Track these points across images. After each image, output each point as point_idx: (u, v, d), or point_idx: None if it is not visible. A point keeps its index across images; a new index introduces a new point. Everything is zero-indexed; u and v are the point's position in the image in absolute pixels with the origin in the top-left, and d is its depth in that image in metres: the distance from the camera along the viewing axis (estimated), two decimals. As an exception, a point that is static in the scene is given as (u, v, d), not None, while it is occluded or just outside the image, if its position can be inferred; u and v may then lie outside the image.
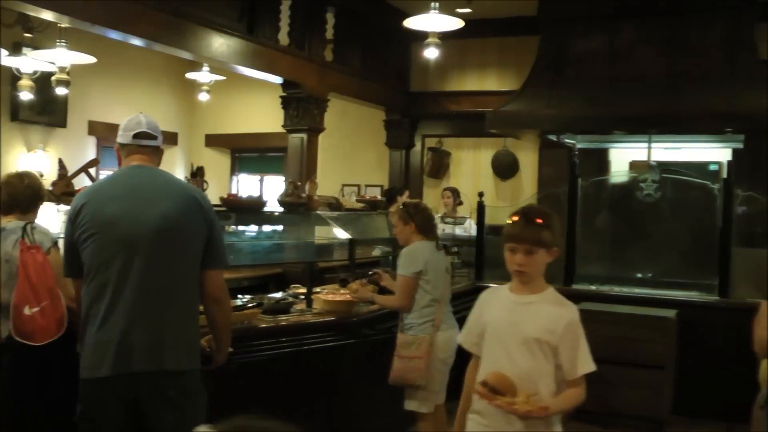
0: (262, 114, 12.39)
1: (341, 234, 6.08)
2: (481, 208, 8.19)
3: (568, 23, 9.29)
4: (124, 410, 3.31)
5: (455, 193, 9.48)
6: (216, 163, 13.37)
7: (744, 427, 4.95)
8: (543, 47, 9.43)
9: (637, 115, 8.48)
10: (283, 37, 8.92)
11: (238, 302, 5.10)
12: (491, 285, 7.87)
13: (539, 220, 3.10)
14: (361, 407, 5.60)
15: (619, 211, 8.75)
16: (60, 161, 4.92)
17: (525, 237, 3.08)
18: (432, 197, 11.19)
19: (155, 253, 3.40)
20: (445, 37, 8.46)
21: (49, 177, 6.73)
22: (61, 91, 8.61)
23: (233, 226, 5.83)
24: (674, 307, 7.17)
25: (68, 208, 3.63)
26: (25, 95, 9.03)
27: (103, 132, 11.50)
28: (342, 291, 5.79)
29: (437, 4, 7.69)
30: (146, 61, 11.78)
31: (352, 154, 12.36)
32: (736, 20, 8.78)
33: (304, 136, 9.22)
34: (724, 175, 8.13)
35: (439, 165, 11.54)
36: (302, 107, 9.15)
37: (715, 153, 9.85)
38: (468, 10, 9.42)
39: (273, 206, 6.04)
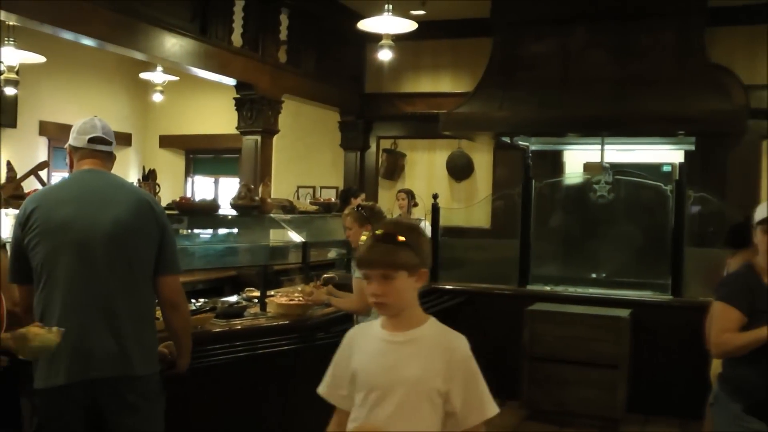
0: (216, 115, 12.30)
1: (295, 237, 6.04)
2: (435, 210, 8.20)
3: (521, 26, 9.34)
4: (84, 417, 3.27)
5: (410, 194, 9.48)
6: (170, 164, 13.26)
7: (698, 424, 5.01)
8: (496, 50, 9.47)
9: (589, 118, 8.56)
10: (237, 38, 8.87)
11: (192, 306, 5.05)
12: (447, 286, 7.94)
13: (397, 238, 2.52)
14: (314, 412, 5.56)
15: (573, 212, 8.81)
16: (8, 163, 4.81)
17: (377, 259, 2.50)
18: (387, 199, 11.18)
19: (108, 258, 3.35)
20: (399, 39, 8.46)
21: (-3, 180, 6.60)
22: (9, 90, 8.49)
23: (186, 230, 5.76)
24: (628, 306, 7.23)
25: (17, 212, 3.56)
26: (-27, 95, 8.89)
27: (55, 132, 11.36)
28: (297, 294, 5.75)
29: (391, 6, 7.69)
30: (99, 61, 11.62)
31: (307, 156, 12.31)
32: (686, 25, 8.89)
33: (258, 138, 9.18)
34: (677, 176, 8.22)
35: (394, 166, 11.54)
36: (256, 109, 9.10)
37: (668, 155, 9.97)
38: (422, 12, 9.46)
39: (227, 209, 5.98)
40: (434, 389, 2.47)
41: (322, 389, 2.76)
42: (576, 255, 8.57)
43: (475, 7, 9.66)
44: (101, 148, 3.60)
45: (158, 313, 3.60)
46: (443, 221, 8.32)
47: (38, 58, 8.18)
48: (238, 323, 5.01)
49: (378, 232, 2.58)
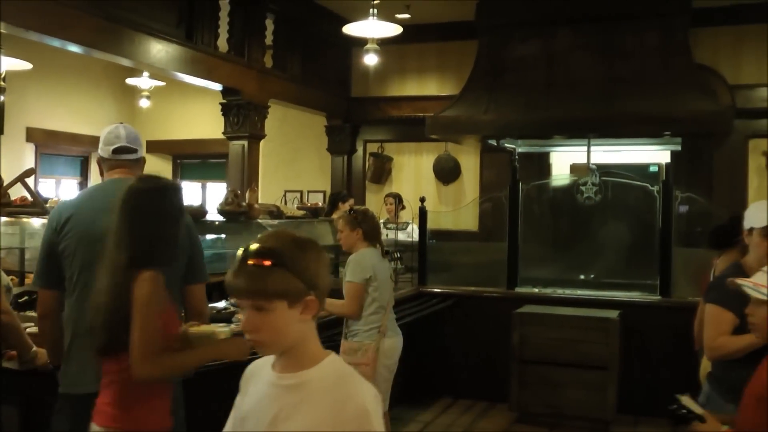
0: (203, 120, 12.28)
1: (283, 242, 6.03)
2: (423, 213, 8.20)
3: (506, 29, 9.35)
4: None
5: (398, 198, 9.49)
6: (158, 169, 13.20)
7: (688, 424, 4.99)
8: (481, 53, 9.48)
9: (575, 120, 8.57)
10: (223, 44, 8.84)
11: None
12: (435, 290, 7.94)
13: (265, 261, 1.99)
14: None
15: (561, 214, 8.84)
16: (-6, 171, 4.80)
17: (243, 287, 2.00)
18: (374, 203, 11.17)
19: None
20: (385, 43, 8.48)
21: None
22: (-4, 97, 8.46)
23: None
24: (617, 307, 7.25)
25: (6, 219, 3.55)
26: (-41, 102, 8.84)
27: (42, 139, 11.32)
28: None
29: (376, 11, 7.70)
30: (86, 67, 11.58)
31: (294, 161, 12.30)
32: (671, 26, 8.92)
33: (245, 142, 9.15)
34: (664, 177, 8.24)
35: (381, 170, 11.53)
36: (242, 114, 9.08)
37: (655, 155, 9.99)
38: (407, 16, 9.46)
39: (214, 215, 5.97)
40: None
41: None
42: (564, 257, 8.59)
43: (460, 11, 9.67)
44: (126, 157, 3.62)
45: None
46: (431, 224, 8.34)
47: (24, 65, 8.15)
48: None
49: (246, 250, 2.05)
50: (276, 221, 6.43)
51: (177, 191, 3.23)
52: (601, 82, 8.84)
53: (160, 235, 3.07)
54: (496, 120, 8.84)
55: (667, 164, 8.53)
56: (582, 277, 8.21)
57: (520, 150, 9.77)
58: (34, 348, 3.84)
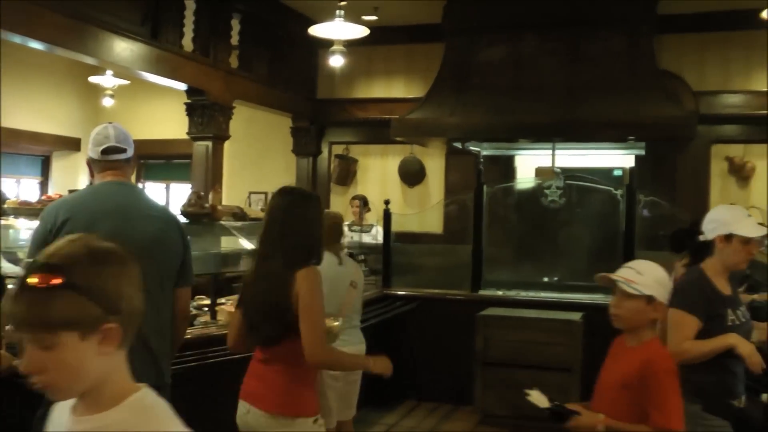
0: (168, 120, 12.15)
1: (246, 244, 5.99)
2: (387, 216, 8.20)
3: (473, 32, 9.37)
4: None
5: (363, 201, 9.49)
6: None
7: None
8: (448, 56, 9.49)
9: (540, 124, 8.60)
10: (188, 43, 8.79)
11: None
12: (399, 292, 7.93)
13: (50, 280, 1.53)
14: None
15: (525, 217, 8.87)
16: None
17: (20, 317, 1.54)
18: (339, 204, 11.14)
19: (147, 274, 3.32)
20: (352, 44, 8.46)
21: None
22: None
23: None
24: (580, 310, 7.28)
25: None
26: None
27: (4, 137, 11.14)
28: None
29: (342, 12, 7.68)
30: (48, 64, 11.43)
31: (259, 162, 12.23)
32: (636, 32, 8.98)
33: (210, 143, 9.10)
34: (628, 180, 8.30)
35: (347, 172, 11.51)
36: (207, 114, 9.02)
37: (620, 159, 10.05)
38: (374, 18, 9.44)
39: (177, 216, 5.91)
40: None
41: None
42: (528, 259, 8.62)
43: (428, 13, 9.66)
44: (116, 158, 3.59)
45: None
46: (395, 227, 8.32)
47: (-17, 62, 8.05)
48: (188, 332, 4.94)
49: (29, 264, 1.66)
50: (239, 223, 6.38)
51: (317, 199, 3.73)
52: (566, 87, 8.88)
53: (312, 238, 3.53)
54: (462, 123, 8.85)
55: (631, 168, 8.57)
56: (546, 279, 8.23)
57: (485, 153, 9.79)
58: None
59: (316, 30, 8.06)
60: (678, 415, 3.09)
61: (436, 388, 7.83)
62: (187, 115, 9.14)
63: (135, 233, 3.37)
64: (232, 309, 5.43)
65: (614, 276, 3.29)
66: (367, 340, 5.49)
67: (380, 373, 3.58)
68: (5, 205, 5.02)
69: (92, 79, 10.78)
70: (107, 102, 10.94)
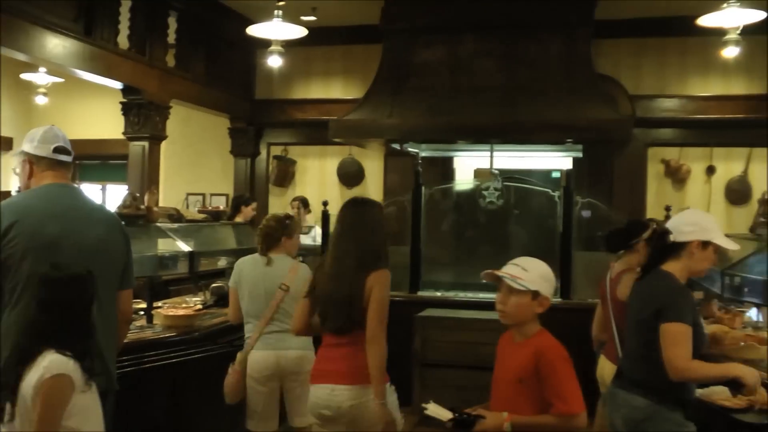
0: (104, 119, 11.97)
1: (183, 246, 5.92)
2: (325, 217, 8.15)
3: (411, 33, 9.35)
4: None
5: (304, 202, 9.47)
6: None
7: (590, 421, 5.08)
8: (386, 57, 9.47)
9: (478, 125, 8.62)
10: (123, 41, 8.64)
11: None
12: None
13: None
14: (205, 424, 5.46)
15: (464, 218, 8.91)
16: None
17: None
18: (278, 206, 11.11)
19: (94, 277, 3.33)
20: (290, 45, 8.42)
21: None
22: None
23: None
24: (518, 310, 7.31)
25: None
26: None
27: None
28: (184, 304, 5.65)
29: (281, 12, 7.63)
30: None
31: (196, 163, 12.11)
32: (573, 36, 9.04)
33: (146, 143, 8.98)
34: (565, 182, 8.38)
35: (285, 173, 11.45)
36: (143, 114, 8.90)
37: (558, 161, 10.16)
38: (312, 18, 9.41)
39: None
40: None
41: None
42: (466, 260, 8.65)
43: (366, 14, 9.64)
44: (65, 158, 3.55)
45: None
46: (333, 228, 8.28)
47: None
48: (123, 336, 4.87)
49: None
50: (176, 225, 6.32)
51: (380, 207, 4.36)
52: (504, 89, 8.92)
53: (380, 242, 4.11)
54: (400, 124, 8.84)
55: (568, 171, 8.66)
56: (484, 280, 8.26)
57: (423, 154, 9.80)
58: None
59: (254, 30, 7.99)
60: (578, 399, 3.16)
61: (375, 390, 7.81)
62: (123, 114, 9.01)
63: (82, 236, 3.35)
64: (170, 312, 5.39)
65: (500, 272, 3.35)
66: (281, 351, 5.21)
67: None
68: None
69: (24, 76, 10.56)
70: (40, 100, 10.72)
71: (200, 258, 6.11)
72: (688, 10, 8.24)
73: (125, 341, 4.59)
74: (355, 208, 4.23)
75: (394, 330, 7.52)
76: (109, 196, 13.08)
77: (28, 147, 3.53)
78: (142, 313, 5.56)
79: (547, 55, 9.00)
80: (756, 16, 7.32)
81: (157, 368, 4.83)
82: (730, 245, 3.86)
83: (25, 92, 11.85)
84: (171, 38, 9.60)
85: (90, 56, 7.91)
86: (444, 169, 10.72)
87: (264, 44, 8.64)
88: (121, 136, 9.24)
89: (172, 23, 9.59)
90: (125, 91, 8.83)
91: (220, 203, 11.66)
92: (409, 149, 9.57)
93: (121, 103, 8.98)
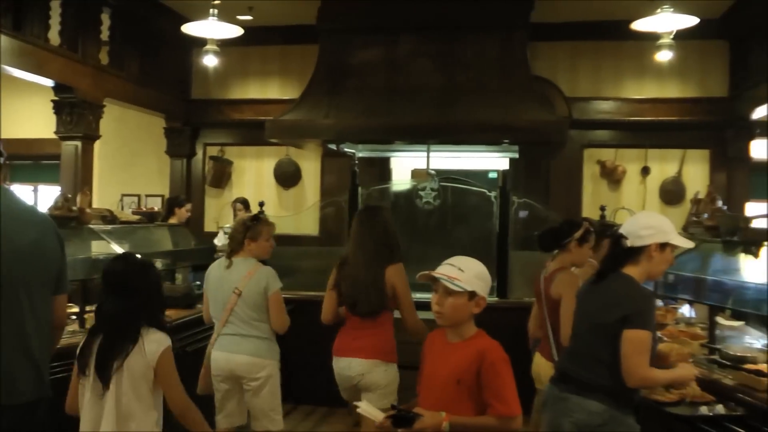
0: (35, 118, 11.70)
1: (117, 248, 5.82)
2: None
3: (347, 34, 9.33)
4: None
5: (245, 204, 9.41)
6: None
7: (525, 419, 5.12)
8: (322, 57, 9.43)
9: (414, 126, 8.63)
10: (54, 37, 8.45)
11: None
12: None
13: None
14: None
15: (401, 219, 8.90)
16: None
17: None
18: (214, 207, 11.03)
19: (28, 279, 3.30)
20: (226, 44, 8.35)
21: None
22: None
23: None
24: (453, 310, 7.34)
25: None
26: None
27: None
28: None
29: (216, 11, 7.57)
30: None
31: (131, 163, 11.95)
32: (510, 38, 9.09)
33: (79, 143, 8.82)
34: (502, 183, 8.44)
35: (221, 174, 11.35)
36: (76, 113, 8.74)
37: (497, 162, 10.24)
38: (249, 18, 9.35)
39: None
40: None
41: None
42: (403, 260, 8.64)
43: (303, 14, 9.58)
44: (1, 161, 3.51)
45: None
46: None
47: None
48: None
49: None
50: (110, 226, 6.20)
51: (388, 210, 5.34)
52: (441, 90, 8.94)
53: (391, 241, 5.10)
54: (336, 124, 8.82)
55: (504, 171, 8.73)
56: (420, 281, 8.27)
57: (360, 155, 9.79)
58: None
59: (190, 28, 7.91)
60: (516, 401, 3.20)
61: (313, 392, 7.78)
62: (55, 113, 8.84)
63: (16, 239, 3.27)
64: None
65: (437, 274, 3.33)
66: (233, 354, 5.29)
67: None
68: None
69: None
70: (-34, 97, 10.47)
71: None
72: (623, 14, 8.36)
73: (57, 347, 4.52)
74: (369, 212, 5.23)
75: (330, 331, 7.54)
76: (41, 197, 12.83)
77: None
78: (74, 317, 5.45)
79: (484, 57, 9.05)
80: (688, 21, 7.47)
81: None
82: (687, 243, 3.92)
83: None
84: (105, 35, 9.43)
85: (19, 52, 7.72)
86: (381, 169, 10.73)
87: (200, 43, 8.56)
88: (54, 136, 9.05)
89: (106, 20, 9.41)
90: (57, 89, 8.66)
91: (156, 204, 11.52)
92: (346, 150, 9.56)
93: (52, 101, 8.80)
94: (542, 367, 5.14)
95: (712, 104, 10.25)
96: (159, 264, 7.37)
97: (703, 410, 4.09)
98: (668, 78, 10.15)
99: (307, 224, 10.68)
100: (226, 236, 8.56)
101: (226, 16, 7.94)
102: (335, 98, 8.99)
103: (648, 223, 3.79)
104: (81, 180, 8.65)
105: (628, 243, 3.74)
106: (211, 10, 7.60)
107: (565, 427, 3.74)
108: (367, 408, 3.31)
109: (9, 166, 12.71)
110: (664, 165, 10.51)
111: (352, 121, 8.79)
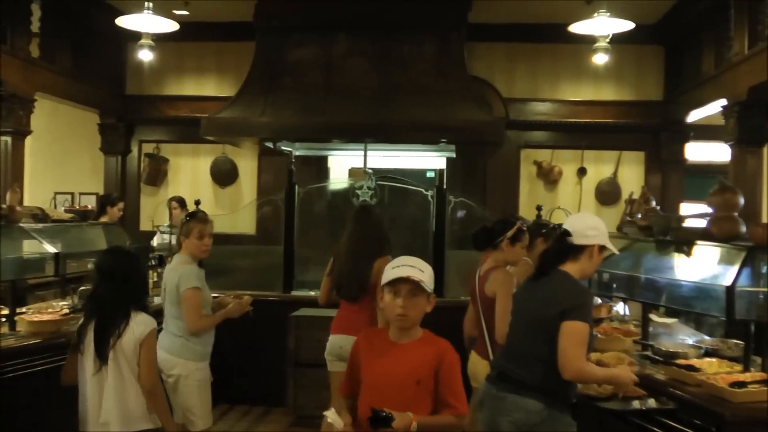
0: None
1: (48, 248, 5.71)
2: (198, 217, 8.02)
3: (284, 31, 9.29)
4: None
5: (181, 202, 9.33)
6: None
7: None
8: (258, 54, 9.38)
9: (350, 124, 8.64)
10: (-19, 27, 8.23)
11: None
12: (211, 295, 7.77)
13: None
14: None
15: (338, 218, 8.88)
16: None
17: None
18: (150, 205, 10.89)
19: None
20: (162, 39, 8.26)
21: None
22: None
23: None
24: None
25: None
26: None
27: None
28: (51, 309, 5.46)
29: (151, 5, 7.48)
30: None
31: (64, 160, 11.74)
32: (447, 38, 9.16)
33: (9, 139, 8.61)
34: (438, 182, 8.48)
35: (157, 172, 11.21)
36: (5, 107, 8.53)
37: (435, 161, 10.28)
38: (185, 13, 9.27)
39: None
40: None
41: None
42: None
43: (240, 11, 9.52)
44: None
45: None
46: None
47: None
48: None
49: None
50: (41, 225, 6.07)
51: (378, 211, 6.21)
52: (378, 89, 8.96)
53: (383, 235, 5.85)
54: (273, 123, 8.77)
55: (440, 170, 8.77)
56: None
57: (297, 153, 9.77)
58: None
59: (124, 21, 7.81)
60: (465, 400, 3.30)
61: (249, 391, 7.76)
62: (-17, 108, 8.62)
63: None
64: (34, 318, 5.19)
65: (415, 278, 3.25)
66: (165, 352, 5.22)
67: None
68: None
69: None
70: None
71: (68, 260, 5.90)
72: (561, 17, 8.47)
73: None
74: (362, 212, 6.07)
75: (268, 330, 7.50)
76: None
77: None
78: (4, 319, 5.33)
79: (421, 56, 9.09)
80: (624, 26, 7.61)
81: (21, 377, 4.65)
82: (614, 249, 4.01)
83: None
84: (35, 27, 9.20)
85: (-57, 42, 7.50)
86: (318, 168, 10.71)
87: (135, 37, 8.46)
88: (-18, 131, 8.84)
89: (36, 10, 9.16)
90: (-16, 82, 8.45)
91: (90, 202, 11.32)
92: (283, 148, 9.52)
93: (-21, 95, 8.59)
94: (478, 365, 5.17)
95: (648, 107, 10.47)
96: (93, 264, 7.26)
97: (636, 404, 4.19)
98: (605, 81, 10.33)
99: (244, 223, 10.61)
100: (163, 237, 8.56)
101: (162, 10, 7.85)
102: (271, 96, 8.95)
103: (594, 224, 3.89)
104: (11, 177, 8.45)
105: (572, 241, 3.81)
106: (146, 4, 7.51)
107: (502, 426, 3.76)
108: (334, 417, 3.30)
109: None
110: (600, 166, 10.67)
111: (288, 119, 8.76)
